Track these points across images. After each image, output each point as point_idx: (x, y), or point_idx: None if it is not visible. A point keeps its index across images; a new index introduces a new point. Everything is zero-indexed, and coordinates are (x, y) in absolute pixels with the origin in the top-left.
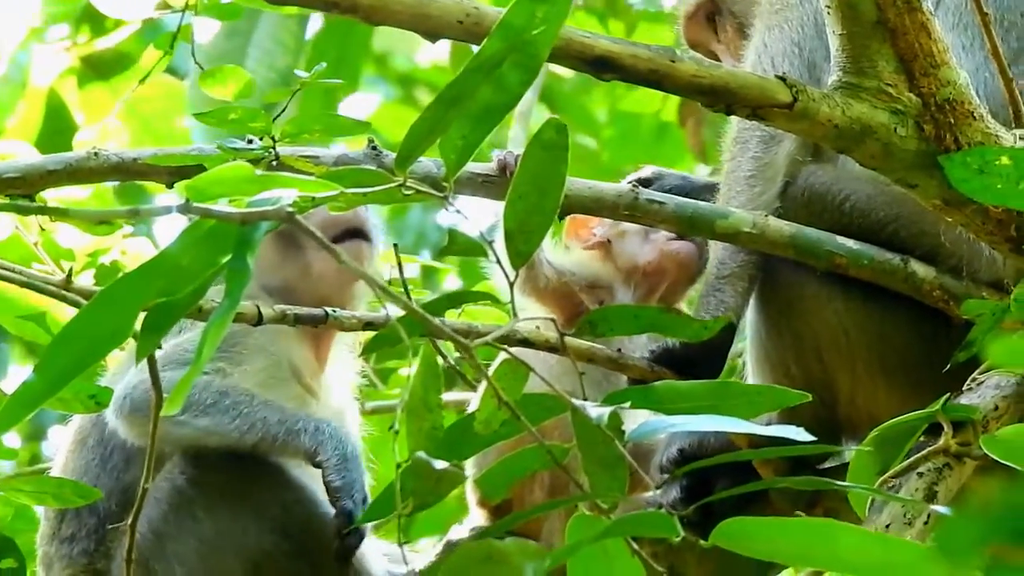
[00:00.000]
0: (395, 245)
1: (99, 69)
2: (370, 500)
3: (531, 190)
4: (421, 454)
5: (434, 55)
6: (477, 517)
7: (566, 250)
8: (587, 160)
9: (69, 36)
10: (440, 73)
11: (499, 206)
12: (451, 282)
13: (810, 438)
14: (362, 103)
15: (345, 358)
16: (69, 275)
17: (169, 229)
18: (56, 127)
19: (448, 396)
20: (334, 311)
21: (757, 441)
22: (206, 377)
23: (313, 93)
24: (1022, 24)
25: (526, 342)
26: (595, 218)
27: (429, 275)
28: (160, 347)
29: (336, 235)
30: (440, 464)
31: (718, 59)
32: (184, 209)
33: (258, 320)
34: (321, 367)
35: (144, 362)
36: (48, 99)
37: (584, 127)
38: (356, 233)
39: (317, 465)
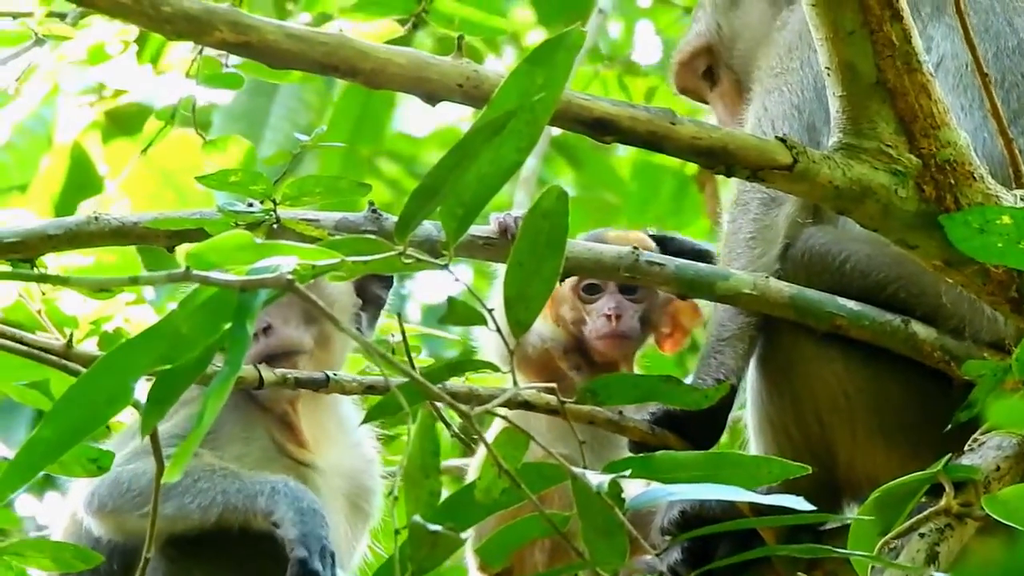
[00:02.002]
0: (398, 314)
1: (122, 123)
2: (338, 555)
3: (531, 258)
4: (417, 518)
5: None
6: None
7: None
8: (608, 215)
9: (93, 90)
10: (402, 142)
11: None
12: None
13: (809, 507)
14: None
15: (344, 423)
16: (70, 341)
17: None
18: (80, 181)
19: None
20: (335, 374)
21: (758, 506)
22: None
23: (333, 154)
24: (1023, 85)
25: (528, 405)
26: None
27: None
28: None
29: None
30: (436, 527)
31: (708, 107)
32: (184, 277)
33: (259, 384)
34: (299, 439)
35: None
36: (72, 153)
37: (606, 182)
38: (275, 357)
39: (276, 525)
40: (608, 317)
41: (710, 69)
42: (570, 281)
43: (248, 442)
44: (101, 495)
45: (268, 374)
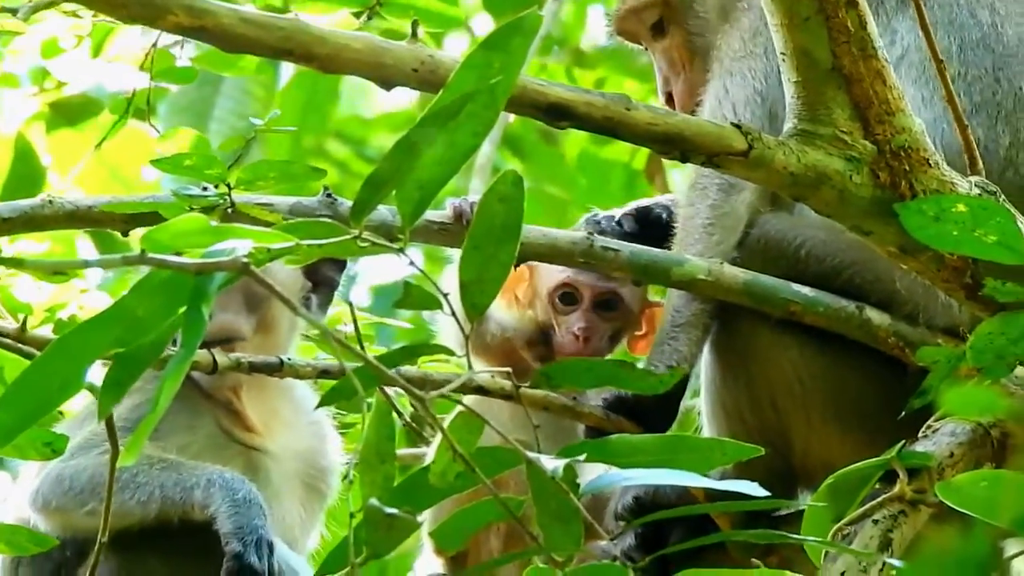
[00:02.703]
0: (350, 303)
1: (67, 114)
2: (274, 544)
3: (487, 242)
4: (374, 501)
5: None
6: (433, 565)
7: (507, 306)
8: (557, 208)
9: (36, 81)
10: (351, 124)
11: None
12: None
13: (764, 492)
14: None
15: (298, 404)
16: (23, 324)
17: None
18: (24, 172)
19: (402, 451)
20: (289, 359)
21: (712, 492)
22: (105, 457)
23: (280, 141)
24: (986, 79)
25: (482, 390)
26: (520, 278)
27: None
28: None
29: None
30: (392, 511)
31: (644, 50)
32: (139, 260)
33: (213, 368)
34: (246, 424)
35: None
36: (16, 144)
37: (553, 176)
38: (212, 344)
39: (212, 518)
40: (576, 337)
41: (660, 20)
42: (548, 284)
43: (193, 431)
44: (44, 493)
45: (222, 358)
